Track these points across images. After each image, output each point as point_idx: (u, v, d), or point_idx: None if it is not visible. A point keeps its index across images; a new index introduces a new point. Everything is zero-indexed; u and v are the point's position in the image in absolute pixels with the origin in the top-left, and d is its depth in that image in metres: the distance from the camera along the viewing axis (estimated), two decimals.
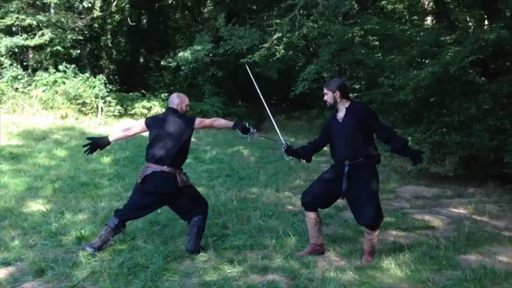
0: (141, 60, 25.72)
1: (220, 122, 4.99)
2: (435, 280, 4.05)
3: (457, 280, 4.03)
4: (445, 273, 4.22)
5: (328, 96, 4.54)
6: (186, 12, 21.07)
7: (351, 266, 4.34)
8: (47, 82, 15.95)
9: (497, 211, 6.53)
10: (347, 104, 4.53)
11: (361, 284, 4.01)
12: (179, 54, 16.77)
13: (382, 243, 4.99)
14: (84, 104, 15.94)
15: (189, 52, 16.30)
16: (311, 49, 17.79)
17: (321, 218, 4.82)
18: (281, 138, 4.97)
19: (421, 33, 9.19)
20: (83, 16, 18.36)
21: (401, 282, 4.07)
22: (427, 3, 12.66)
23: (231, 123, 4.90)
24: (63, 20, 17.26)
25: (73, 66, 16.53)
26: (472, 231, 5.51)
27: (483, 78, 8.15)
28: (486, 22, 9.60)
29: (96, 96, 16.06)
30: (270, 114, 5.19)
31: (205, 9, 23.10)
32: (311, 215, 4.69)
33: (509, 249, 4.89)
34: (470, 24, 10.54)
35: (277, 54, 11.64)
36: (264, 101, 5.18)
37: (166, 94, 18.37)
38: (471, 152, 7.70)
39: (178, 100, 4.83)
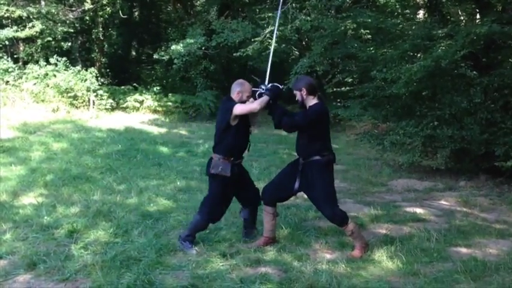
0: (133, 53, 25.58)
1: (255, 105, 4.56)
2: (426, 272, 4.09)
3: (447, 272, 4.08)
4: (436, 266, 4.26)
5: (298, 95, 4.59)
6: (178, 5, 20.92)
7: (342, 259, 4.37)
8: (38, 75, 15.83)
9: (487, 204, 6.59)
10: (312, 103, 4.55)
11: (352, 276, 4.05)
12: (171, 48, 16.66)
13: (374, 236, 5.03)
14: (75, 97, 15.86)
15: (181, 45, 16.20)
16: (304, 42, 17.76)
17: (277, 212, 4.91)
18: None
19: (413, 27, 9.22)
20: (73, 8, 18.21)
21: (392, 274, 4.11)
22: None
23: (266, 98, 4.55)
24: (53, 11, 17.11)
25: (64, 59, 16.41)
26: (462, 223, 5.57)
27: (474, 72, 8.17)
28: (478, 16, 9.62)
29: (88, 90, 15.97)
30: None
31: (198, 2, 22.94)
32: (269, 209, 4.78)
33: (499, 241, 4.94)
34: (462, 18, 10.56)
35: (269, 47, 11.60)
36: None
37: (158, 87, 18.31)
38: (462, 146, 7.75)
39: (238, 89, 4.64)
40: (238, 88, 4.64)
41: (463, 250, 4.66)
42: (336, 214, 4.47)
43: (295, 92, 4.61)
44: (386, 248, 4.60)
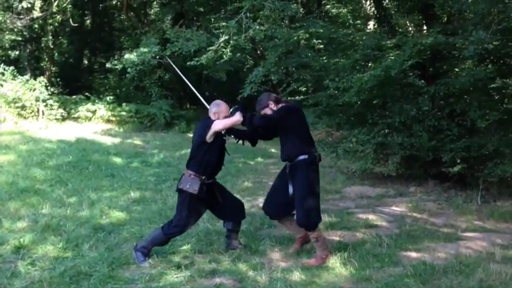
0: (85, 62, 25.00)
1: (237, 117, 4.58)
2: (378, 277, 4.18)
3: (398, 276, 4.18)
4: (387, 270, 4.36)
5: (269, 112, 4.68)
6: (131, 13, 20.64)
7: (297, 267, 4.40)
8: None
9: (436, 208, 6.82)
10: None
11: (307, 283, 4.08)
12: (125, 56, 16.41)
13: (328, 244, 5.08)
14: (23, 107, 15.36)
15: (135, 54, 15.98)
16: (258, 52, 17.90)
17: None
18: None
19: (364, 37, 9.44)
20: (22, 16, 17.61)
21: (346, 280, 4.17)
22: (369, 8, 13.04)
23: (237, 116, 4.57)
24: (0, 19, 16.53)
25: (12, 68, 15.85)
26: (412, 228, 5.73)
27: (422, 81, 8.47)
28: (425, 27, 9.99)
29: (37, 99, 15.50)
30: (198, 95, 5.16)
31: (152, 11, 22.75)
32: (282, 220, 4.86)
33: (447, 245, 5.11)
34: (410, 29, 10.93)
35: (224, 56, 11.62)
36: (192, 88, 5.21)
37: (111, 97, 17.95)
38: (412, 152, 7.98)
39: (215, 109, 4.63)
40: (214, 109, 4.64)
41: (413, 254, 4.79)
42: (306, 217, 4.47)
43: (264, 112, 4.69)
44: (340, 255, 4.67)
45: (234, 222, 4.87)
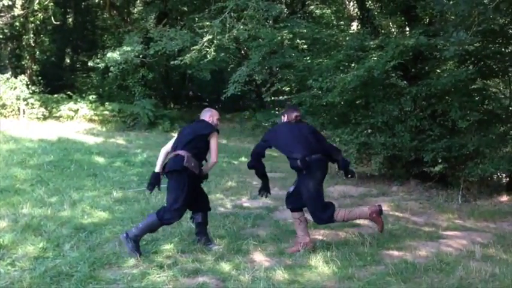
0: (67, 60, 24.73)
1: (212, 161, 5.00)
2: (360, 276, 4.21)
3: (380, 275, 4.21)
4: (369, 269, 4.39)
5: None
6: (114, 12, 20.46)
7: (280, 266, 4.40)
8: None
9: (417, 208, 6.90)
10: None
11: (290, 282, 4.09)
12: (107, 55, 16.27)
13: (311, 242, 5.11)
14: (4, 106, 15.19)
15: (118, 53, 15.85)
16: (242, 51, 17.91)
17: (306, 218, 5.02)
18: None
19: (347, 38, 9.53)
20: (2, 14, 17.36)
21: (328, 279, 4.18)
22: (353, 9, 13.14)
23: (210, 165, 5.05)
24: None
25: None
26: (394, 227, 5.79)
27: (404, 82, 8.57)
28: (407, 28, 10.10)
29: (18, 98, 15.33)
30: None
31: (135, 9, 22.59)
32: (295, 215, 5.01)
33: (428, 243, 5.18)
34: (393, 30, 11.05)
35: (208, 56, 11.61)
36: None
37: (94, 96, 17.80)
38: (394, 152, 8.06)
39: (209, 113, 5.13)
40: (208, 113, 5.14)
41: (395, 253, 4.84)
42: (316, 217, 4.86)
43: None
44: (323, 254, 4.69)
45: (203, 213, 5.02)
